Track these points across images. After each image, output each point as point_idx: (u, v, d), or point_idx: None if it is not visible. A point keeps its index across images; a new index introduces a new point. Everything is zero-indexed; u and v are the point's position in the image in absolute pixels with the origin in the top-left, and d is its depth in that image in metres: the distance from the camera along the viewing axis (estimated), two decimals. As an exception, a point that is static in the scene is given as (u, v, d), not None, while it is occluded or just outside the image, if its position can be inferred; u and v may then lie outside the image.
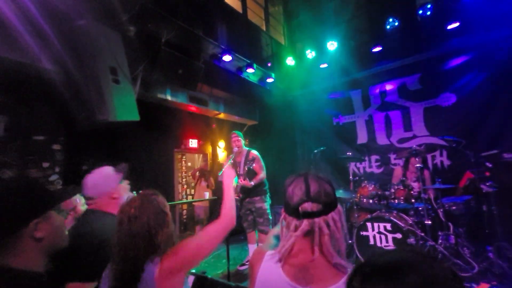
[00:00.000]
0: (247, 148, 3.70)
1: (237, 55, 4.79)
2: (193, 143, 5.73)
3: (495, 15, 3.84)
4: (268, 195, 3.63)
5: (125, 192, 1.51)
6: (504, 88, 3.93)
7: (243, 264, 3.67)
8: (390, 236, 3.13)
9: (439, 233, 3.26)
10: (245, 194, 3.51)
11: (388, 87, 5.06)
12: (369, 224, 3.28)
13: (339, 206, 0.87)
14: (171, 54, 3.83)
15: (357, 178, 4.19)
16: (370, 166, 5.15)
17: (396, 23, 4.51)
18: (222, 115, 5.86)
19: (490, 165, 3.20)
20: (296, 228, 0.83)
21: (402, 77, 4.89)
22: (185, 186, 6.92)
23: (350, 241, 3.55)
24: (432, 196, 3.56)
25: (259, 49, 5.76)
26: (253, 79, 5.45)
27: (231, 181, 1.38)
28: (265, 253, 0.90)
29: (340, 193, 4.13)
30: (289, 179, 0.90)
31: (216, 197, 5.07)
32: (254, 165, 3.44)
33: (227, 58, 4.59)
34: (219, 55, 4.60)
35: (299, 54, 5.84)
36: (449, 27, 4.16)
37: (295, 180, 0.87)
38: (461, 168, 3.88)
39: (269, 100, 6.04)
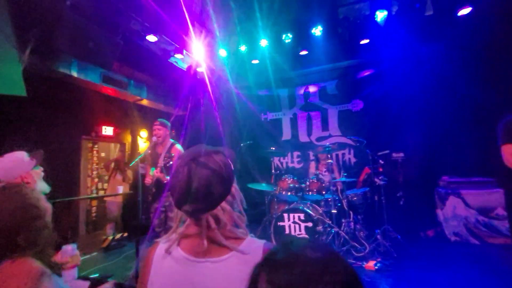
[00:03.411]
0: (172, 141, 3.41)
1: (164, 37, 4.39)
2: (107, 130, 5.03)
3: (394, 39, 4.56)
4: None
5: (38, 178, 1.60)
6: (396, 100, 4.73)
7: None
8: (303, 225, 3.38)
9: (343, 220, 3.70)
10: (161, 187, 3.17)
11: (312, 89, 5.50)
12: (285, 215, 3.48)
13: (234, 186, 0.84)
14: (80, 21, 3.22)
15: (278, 172, 4.40)
16: (292, 161, 5.52)
17: (321, 32, 4.90)
18: (145, 102, 5.32)
19: (383, 162, 3.80)
20: (181, 221, 0.83)
21: (324, 82, 5.39)
22: (96, 180, 6.05)
23: (269, 232, 3.69)
24: (339, 188, 4.02)
25: (190, 36, 5.44)
26: (182, 66, 5.12)
27: None
28: (159, 242, 0.86)
29: (263, 186, 4.26)
30: (179, 159, 0.81)
31: (131, 192, 4.58)
32: (171, 162, 3.19)
33: (152, 38, 4.16)
34: (142, 33, 4.12)
35: (233, 47, 5.78)
36: (361, 42, 4.75)
37: (180, 167, 0.78)
38: (362, 165, 4.52)
39: (199, 91, 5.79)
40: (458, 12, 3.83)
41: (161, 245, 0.84)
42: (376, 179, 3.72)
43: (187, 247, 0.80)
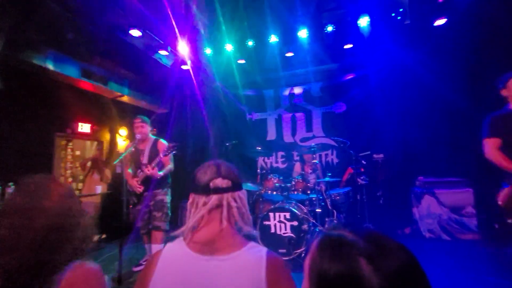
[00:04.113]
0: (154, 137, 3.31)
1: (148, 32, 4.26)
2: (84, 127, 4.78)
3: (376, 45, 4.76)
4: (170, 190, 3.29)
5: None
6: (377, 103, 4.94)
7: (139, 265, 3.27)
8: (288, 224, 3.42)
9: (326, 219, 3.80)
10: (145, 187, 3.05)
11: (297, 90, 5.59)
12: (271, 214, 3.49)
13: (244, 189, 0.96)
14: (58, 11, 3.04)
15: (264, 171, 4.42)
16: (277, 161, 5.57)
17: (306, 35, 5.00)
18: (125, 98, 5.12)
19: (365, 163, 3.96)
20: (204, 204, 0.87)
21: (308, 83, 5.51)
22: (70, 179, 5.72)
23: (254, 232, 3.69)
24: (323, 188, 4.12)
25: (175, 32, 5.32)
26: (167, 63, 4.99)
27: None
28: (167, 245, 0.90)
29: (248, 186, 4.26)
30: (200, 167, 0.95)
31: (110, 192, 4.38)
32: (162, 156, 3.09)
33: (135, 33, 4.02)
34: (126, 27, 3.97)
35: (219, 46, 5.74)
36: (345, 46, 4.91)
37: (205, 165, 0.93)
38: (345, 165, 4.66)
39: (183, 88, 5.68)
40: (434, 22, 4.09)
41: (168, 245, 0.88)
42: (358, 179, 3.86)
43: (195, 247, 0.83)
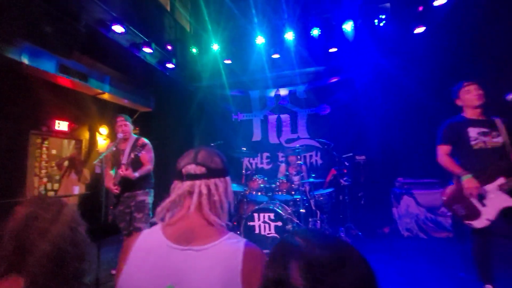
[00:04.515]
0: (136, 136, 3.22)
1: (132, 28, 4.15)
2: (62, 125, 4.57)
3: (359, 49, 4.90)
4: (153, 190, 3.17)
5: None
6: (360, 106, 5.09)
7: (119, 268, 3.15)
8: (272, 224, 3.44)
9: (310, 219, 3.85)
10: (125, 187, 2.92)
11: (282, 92, 5.64)
12: (256, 215, 3.50)
13: (228, 178, 0.92)
14: (35, 2, 2.89)
15: (249, 172, 4.42)
16: (262, 162, 5.59)
17: (293, 37, 5.06)
18: (107, 96, 4.93)
19: (348, 164, 4.06)
20: (178, 190, 0.87)
21: (294, 85, 5.57)
22: (45, 180, 5.44)
23: (238, 232, 3.69)
24: (307, 189, 4.17)
25: (161, 30, 5.22)
26: (151, 60, 4.88)
27: None
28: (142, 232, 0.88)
29: (233, 187, 4.24)
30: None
31: (89, 192, 4.21)
32: (143, 152, 2.98)
33: (118, 29, 3.90)
34: (108, 23, 3.85)
35: (205, 46, 5.69)
36: (330, 50, 5.02)
37: (188, 151, 0.92)
38: (329, 166, 4.76)
39: (168, 87, 5.58)
40: (414, 30, 4.28)
41: (144, 232, 0.85)
42: (341, 180, 3.95)
43: (171, 235, 0.80)
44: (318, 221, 3.89)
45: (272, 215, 3.47)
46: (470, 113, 2.28)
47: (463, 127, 2.24)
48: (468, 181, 2.08)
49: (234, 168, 5.52)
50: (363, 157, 4.47)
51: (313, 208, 3.95)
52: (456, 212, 2.21)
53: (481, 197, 2.07)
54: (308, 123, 5.44)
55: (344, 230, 3.75)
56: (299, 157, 3.92)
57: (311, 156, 5.33)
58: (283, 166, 4.55)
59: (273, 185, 3.94)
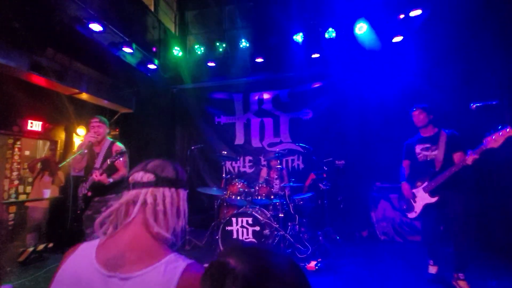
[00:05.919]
0: (111, 139, 3.11)
1: (111, 27, 4.04)
2: (35, 125, 4.39)
3: (340, 57, 4.98)
4: None
5: None
6: (340, 112, 5.16)
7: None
8: (250, 229, 3.41)
9: (289, 223, 3.85)
10: (96, 191, 2.79)
11: (265, 96, 5.65)
12: (234, 219, 3.47)
13: (182, 191, 0.84)
14: (2, -3, 2.77)
15: (229, 176, 4.38)
16: (244, 166, 5.56)
17: (277, 41, 5.09)
18: (84, 96, 4.78)
19: (327, 169, 4.10)
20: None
21: (277, 90, 5.60)
22: (16, 182, 5.19)
23: (216, 237, 3.63)
24: (287, 193, 4.18)
25: (143, 30, 5.12)
26: (131, 61, 4.77)
27: None
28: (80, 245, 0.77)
29: (213, 191, 4.20)
30: None
31: (62, 196, 4.04)
32: (121, 159, 2.88)
33: (96, 27, 3.79)
34: (84, 20, 3.73)
35: (189, 48, 5.63)
36: (313, 56, 5.08)
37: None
38: (310, 170, 4.79)
39: (150, 88, 5.47)
40: (393, 38, 4.41)
41: (80, 247, 0.75)
42: (320, 184, 3.98)
43: (103, 255, 0.71)
44: (297, 225, 3.90)
45: (250, 220, 3.45)
46: (421, 131, 2.88)
47: (413, 145, 2.89)
48: (402, 185, 2.93)
49: (215, 171, 5.47)
50: (342, 161, 4.53)
51: (292, 212, 3.96)
52: (402, 207, 2.98)
53: (414, 196, 2.80)
54: (291, 127, 5.47)
55: (323, 234, 3.77)
56: (278, 161, 3.93)
57: (293, 160, 5.35)
58: (264, 170, 4.54)
59: (253, 189, 3.92)
